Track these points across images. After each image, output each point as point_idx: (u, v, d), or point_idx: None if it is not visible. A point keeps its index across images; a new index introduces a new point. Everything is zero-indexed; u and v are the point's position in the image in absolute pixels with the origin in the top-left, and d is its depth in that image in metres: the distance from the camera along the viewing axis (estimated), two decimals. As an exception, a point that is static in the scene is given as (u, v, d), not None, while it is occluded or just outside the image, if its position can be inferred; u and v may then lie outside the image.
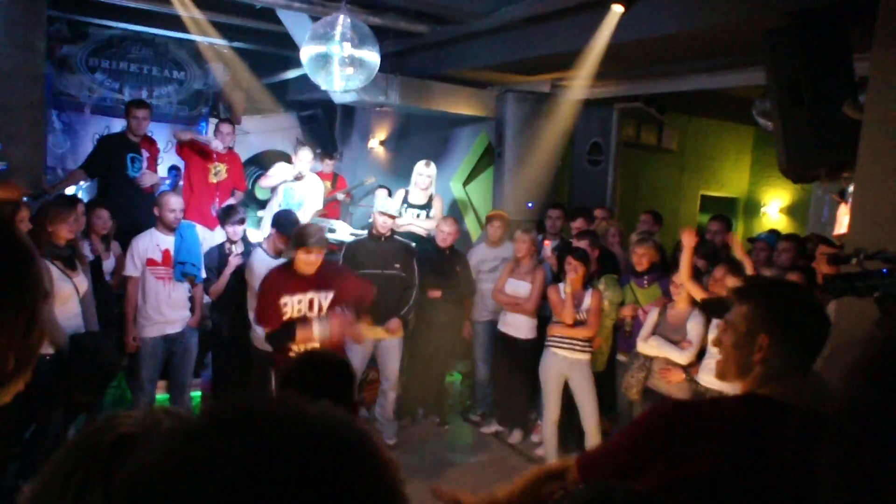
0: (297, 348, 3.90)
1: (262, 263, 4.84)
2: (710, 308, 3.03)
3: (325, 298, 4.08)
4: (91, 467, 1.03)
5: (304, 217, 5.97)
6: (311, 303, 4.04)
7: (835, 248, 3.72)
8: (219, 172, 6.22)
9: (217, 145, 6.06)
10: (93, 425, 1.11)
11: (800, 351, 1.55)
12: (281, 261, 4.60)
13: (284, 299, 3.96)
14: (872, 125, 3.20)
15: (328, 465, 0.53)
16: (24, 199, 4.20)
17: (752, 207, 10.08)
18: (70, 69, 8.29)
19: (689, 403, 1.59)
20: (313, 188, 6.36)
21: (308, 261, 3.96)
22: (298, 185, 6.24)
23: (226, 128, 6.27)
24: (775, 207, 9.65)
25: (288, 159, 6.79)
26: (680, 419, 1.52)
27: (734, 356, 1.61)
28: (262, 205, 7.32)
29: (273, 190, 6.33)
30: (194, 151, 6.16)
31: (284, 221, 5.07)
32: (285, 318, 3.96)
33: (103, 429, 1.10)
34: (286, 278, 4.02)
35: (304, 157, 6.25)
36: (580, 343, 4.78)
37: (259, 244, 5.17)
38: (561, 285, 4.89)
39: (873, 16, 3.17)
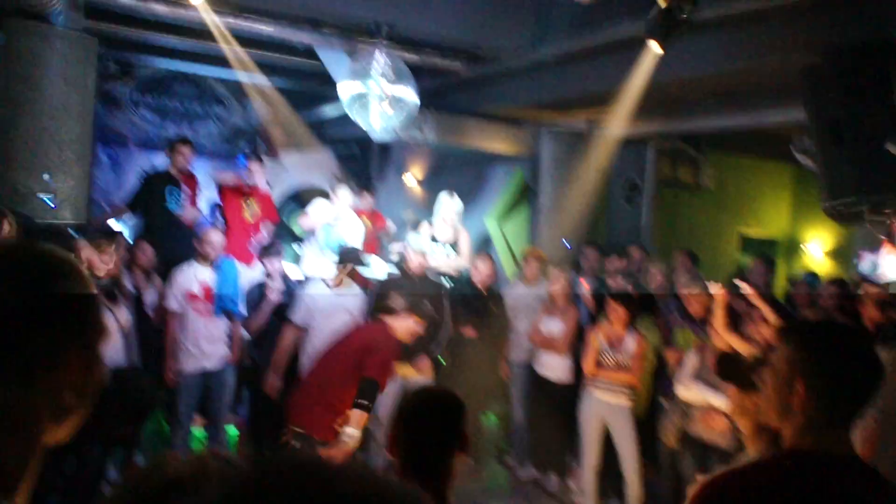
0: None
1: (327, 300, 4.97)
2: (723, 368, 2.85)
3: None
4: None
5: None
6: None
7: (881, 291, 3.60)
8: (253, 210, 6.33)
9: (260, 181, 6.13)
10: (142, 469, 1.10)
11: (844, 400, 1.44)
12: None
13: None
14: (919, 163, 3.13)
15: None
16: (70, 231, 4.31)
17: (793, 247, 9.88)
18: (116, 105, 8.57)
19: (721, 483, 1.47)
20: (353, 227, 6.39)
21: (413, 332, 4.19)
22: (337, 224, 6.28)
23: (256, 166, 6.38)
24: (818, 247, 9.43)
25: (325, 195, 6.87)
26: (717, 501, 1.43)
27: (774, 401, 1.51)
28: (299, 239, 7.39)
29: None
30: (231, 190, 6.29)
31: (348, 255, 5.15)
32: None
33: (152, 473, 1.09)
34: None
35: (343, 196, 6.29)
36: (621, 387, 4.66)
37: (322, 280, 5.20)
38: (601, 326, 4.78)
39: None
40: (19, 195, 3.72)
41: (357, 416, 3.76)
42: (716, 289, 4.13)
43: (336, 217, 6.21)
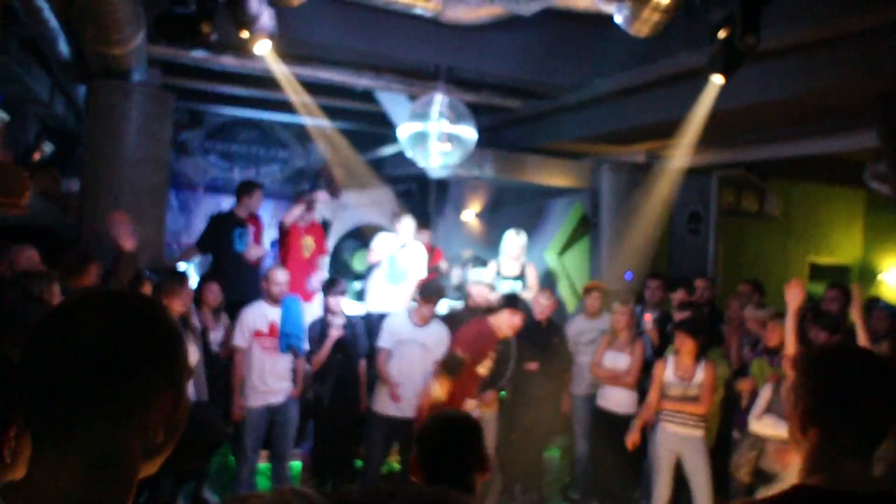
0: None
1: (410, 332, 5.09)
2: None
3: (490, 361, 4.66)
4: None
5: (410, 285, 6.11)
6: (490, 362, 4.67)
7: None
8: (309, 246, 6.49)
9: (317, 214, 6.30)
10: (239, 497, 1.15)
11: (854, 431, 1.32)
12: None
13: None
14: None
15: None
16: (147, 273, 4.50)
17: (866, 275, 9.49)
18: (187, 152, 8.96)
19: None
20: (417, 256, 6.48)
21: (513, 324, 4.56)
22: (403, 254, 6.38)
23: (321, 196, 6.55)
24: (894, 274, 9.04)
25: (385, 232, 6.98)
26: None
27: (789, 432, 1.43)
28: (356, 276, 7.50)
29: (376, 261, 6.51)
30: (292, 228, 6.47)
31: (430, 289, 5.23)
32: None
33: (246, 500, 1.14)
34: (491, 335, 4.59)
35: (407, 225, 6.39)
36: (693, 418, 4.55)
37: (406, 311, 5.30)
38: (669, 359, 4.70)
39: None
40: (102, 241, 3.92)
41: (437, 384, 4.44)
42: (793, 293, 3.97)
43: (401, 246, 6.30)
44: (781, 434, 4.00)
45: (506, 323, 4.53)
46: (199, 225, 8.43)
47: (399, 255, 6.35)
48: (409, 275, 6.30)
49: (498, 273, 6.18)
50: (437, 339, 5.08)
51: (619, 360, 5.25)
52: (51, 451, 0.86)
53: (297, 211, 6.43)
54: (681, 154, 5.74)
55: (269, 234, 8.09)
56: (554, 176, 7.18)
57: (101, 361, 0.87)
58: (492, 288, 5.34)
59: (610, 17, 3.70)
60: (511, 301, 4.53)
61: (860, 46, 3.78)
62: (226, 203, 8.85)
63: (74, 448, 0.86)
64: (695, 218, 7.15)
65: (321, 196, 6.53)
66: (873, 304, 5.86)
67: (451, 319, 5.36)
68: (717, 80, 3.45)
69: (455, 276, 5.49)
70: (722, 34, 3.31)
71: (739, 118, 4.99)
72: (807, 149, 5.48)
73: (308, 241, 6.51)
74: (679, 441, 4.59)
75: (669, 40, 4.54)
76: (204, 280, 5.28)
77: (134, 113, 3.98)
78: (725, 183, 7.24)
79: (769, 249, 8.94)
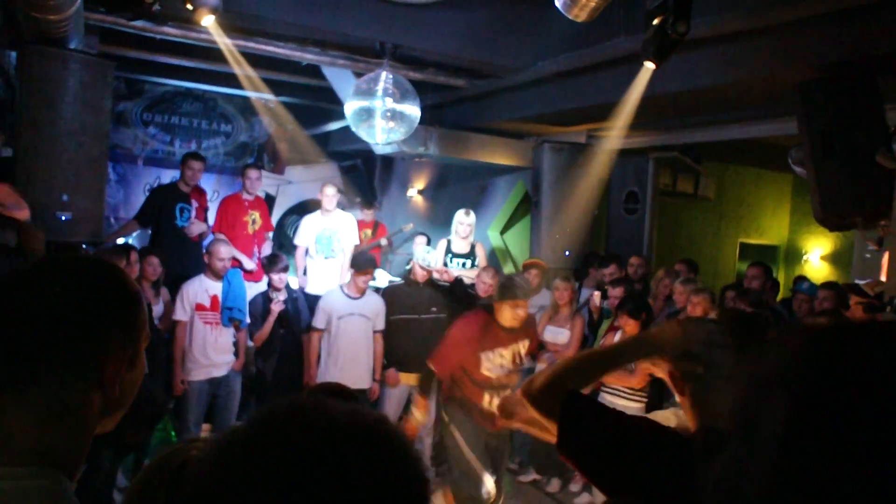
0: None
1: (346, 306, 5.10)
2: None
3: (523, 347, 4.25)
4: (161, 490, 1.15)
5: (346, 254, 6.19)
6: (513, 355, 4.18)
7: (867, 298, 3.71)
8: (255, 221, 6.47)
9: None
10: (170, 449, 1.24)
11: None
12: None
13: (485, 354, 4.07)
14: (906, 175, 3.24)
15: (365, 464, 0.60)
16: (84, 246, 4.44)
17: (792, 255, 9.98)
18: (125, 123, 8.74)
19: None
20: (345, 225, 6.55)
21: (517, 315, 4.07)
22: (331, 227, 6.43)
23: (253, 173, 6.52)
24: (817, 255, 9.54)
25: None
26: None
27: None
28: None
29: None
30: (236, 204, 6.44)
31: (361, 260, 5.30)
32: (483, 372, 4.09)
33: (174, 454, 1.23)
34: (486, 332, 4.09)
35: (329, 193, 6.44)
36: (631, 392, 4.77)
37: (339, 287, 5.35)
38: (618, 334, 4.89)
39: (903, 69, 3.24)
40: (38, 214, 3.84)
41: (415, 400, 4.34)
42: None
43: (324, 219, 6.38)
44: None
45: (510, 315, 4.05)
46: (138, 198, 8.27)
47: (326, 226, 6.41)
48: (341, 247, 6.38)
49: (448, 251, 6.32)
50: (374, 309, 5.21)
51: (560, 335, 5.44)
52: (12, 399, 0.91)
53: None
54: (618, 135, 5.93)
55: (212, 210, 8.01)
56: (497, 154, 7.31)
57: (63, 315, 0.93)
58: (432, 271, 5.46)
59: (553, 0, 3.80)
60: (509, 293, 4.02)
61: (784, 38, 3.99)
62: (166, 176, 8.70)
63: (35, 397, 0.92)
64: (632, 198, 7.38)
65: (255, 174, 6.50)
66: (797, 287, 6.22)
67: (391, 294, 5.48)
68: (649, 65, 3.59)
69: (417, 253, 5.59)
70: (656, 21, 3.45)
71: (672, 103, 5.18)
72: (735, 133, 5.74)
73: (254, 216, 6.48)
74: None
75: (610, 25, 4.68)
76: (143, 254, 5.23)
77: (71, 81, 3.88)
78: (662, 164, 7.48)
79: (702, 230, 9.31)
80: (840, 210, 3.86)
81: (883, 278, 4.00)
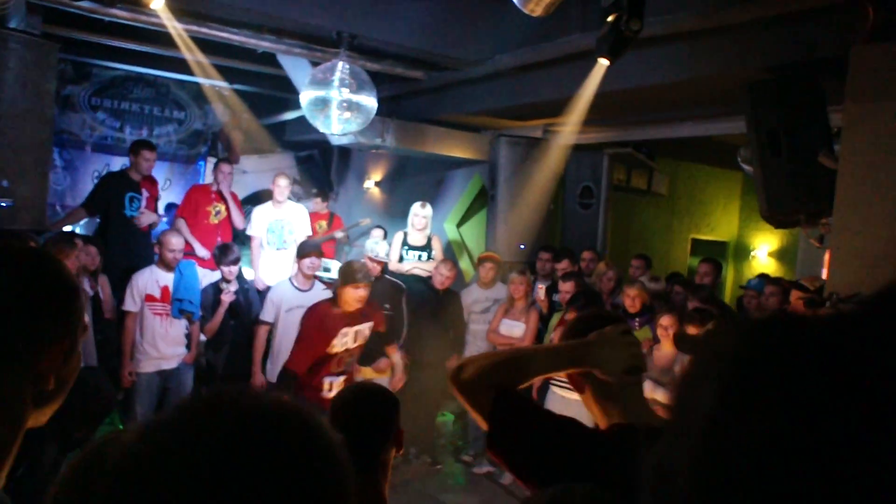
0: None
1: (294, 298, 5.05)
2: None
3: (367, 328, 4.33)
4: (98, 478, 1.12)
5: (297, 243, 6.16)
6: (355, 335, 4.25)
7: (808, 293, 3.83)
8: (219, 213, 6.35)
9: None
10: (103, 439, 1.21)
11: None
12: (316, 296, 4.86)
13: (335, 340, 4.12)
14: (847, 174, 3.36)
15: (282, 450, 0.61)
16: (31, 235, 4.29)
17: (741, 251, 10.24)
18: (72, 108, 8.46)
19: None
20: (297, 216, 6.50)
21: (357, 296, 4.12)
22: (283, 218, 6.38)
23: (226, 168, 6.42)
24: (764, 251, 9.81)
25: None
26: None
27: None
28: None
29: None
30: (199, 195, 6.32)
31: (303, 245, 5.30)
32: (331, 351, 4.11)
33: (111, 442, 1.20)
34: (333, 317, 4.15)
35: (282, 184, 6.39)
36: None
37: (288, 279, 5.27)
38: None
39: (845, 71, 3.34)
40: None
41: None
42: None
43: (276, 210, 6.34)
44: (654, 396, 4.34)
45: (352, 297, 4.14)
46: (85, 185, 8.03)
47: (277, 218, 6.36)
48: (293, 238, 6.34)
49: (404, 243, 6.30)
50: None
51: (515, 328, 5.49)
52: None
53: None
54: (574, 131, 6.00)
55: (165, 199, 7.83)
56: (454, 147, 7.31)
57: None
58: (384, 262, 5.45)
59: (510, -6, 3.81)
60: (348, 277, 4.13)
61: (734, 38, 4.09)
62: (115, 163, 8.47)
63: None
64: (587, 193, 7.47)
65: (225, 168, 6.41)
66: (748, 283, 6.37)
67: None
68: (603, 61, 3.64)
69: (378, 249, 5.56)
70: (610, 19, 3.49)
71: (625, 99, 5.26)
72: (687, 131, 5.86)
73: (218, 208, 6.36)
74: (566, 404, 4.87)
75: (567, 21, 4.73)
76: (82, 242, 5.09)
77: (11, 62, 3.74)
78: (616, 160, 7.59)
79: (655, 225, 9.48)
80: (785, 208, 3.97)
81: (824, 275, 4.13)
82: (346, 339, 4.18)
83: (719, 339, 0.60)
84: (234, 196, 6.56)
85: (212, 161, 8.45)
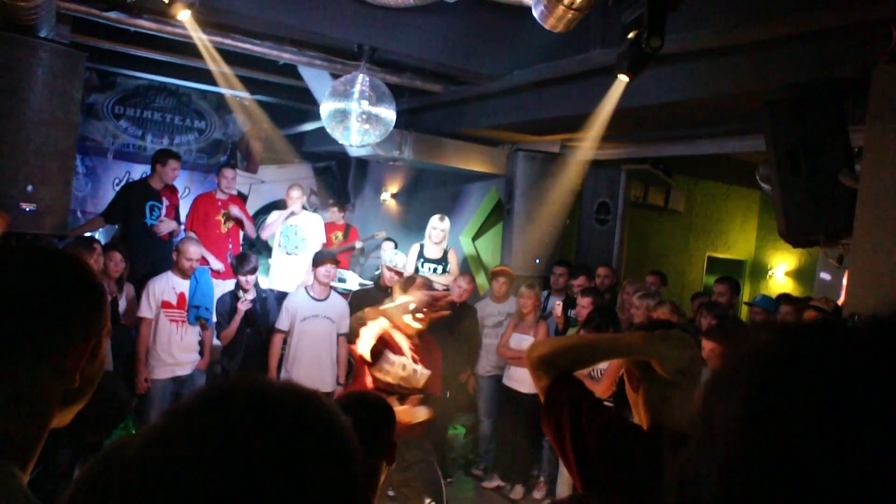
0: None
1: (310, 308, 5.08)
2: None
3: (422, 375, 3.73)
4: (112, 479, 1.15)
5: (311, 254, 6.20)
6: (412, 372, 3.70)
7: (821, 313, 3.80)
8: (228, 220, 6.42)
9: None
10: (119, 441, 1.23)
11: None
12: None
13: (392, 357, 3.58)
14: (867, 194, 3.33)
15: (294, 432, 0.67)
16: (53, 241, 4.35)
17: (758, 270, 10.15)
18: (96, 115, 8.60)
19: None
20: (311, 224, 6.55)
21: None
22: (297, 224, 6.43)
23: (229, 173, 6.49)
24: (781, 270, 9.72)
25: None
26: None
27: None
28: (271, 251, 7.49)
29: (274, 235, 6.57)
30: (203, 206, 6.39)
31: (319, 254, 5.36)
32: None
33: (127, 445, 1.23)
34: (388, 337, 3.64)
35: (295, 195, 6.46)
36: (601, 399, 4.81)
37: (304, 288, 5.32)
38: None
39: (866, 91, 3.33)
40: (2, 205, 3.77)
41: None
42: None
43: (289, 214, 6.39)
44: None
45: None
46: (106, 192, 8.15)
47: (293, 225, 6.42)
48: (307, 242, 6.38)
49: (420, 256, 6.33)
50: (339, 311, 5.18)
51: (524, 342, 5.47)
52: None
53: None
54: (591, 146, 6.00)
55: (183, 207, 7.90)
56: (471, 161, 7.33)
57: (24, 301, 0.92)
58: (402, 273, 5.46)
59: (530, 10, 3.83)
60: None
61: (754, 56, 4.08)
62: (136, 171, 8.58)
63: None
64: (603, 208, 7.46)
65: (230, 173, 6.49)
66: (753, 300, 6.32)
67: (359, 298, 5.45)
68: (623, 78, 3.64)
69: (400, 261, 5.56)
70: (630, 35, 3.50)
71: (643, 116, 5.26)
72: (705, 149, 5.84)
73: (229, 217, 6.43)
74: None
75: (587, 37, 4.74)
76: (105, 249, 5.16)
77: (40, 70, 3.81)
78: (634, 177, 7.58)
79: (672, 242, 9.42)
80: (803, 226, 3.94)
81: (843, 296, 4.09)
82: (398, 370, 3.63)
83: (742, 349, 0.60)
84: (239, 202, 6.64)
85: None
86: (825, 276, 7.14)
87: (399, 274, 5.39)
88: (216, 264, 6.10)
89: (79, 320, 0.97)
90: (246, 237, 7.61)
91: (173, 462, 0.63)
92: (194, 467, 0.62)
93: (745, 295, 9.82)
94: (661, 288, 6.08)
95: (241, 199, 8.95)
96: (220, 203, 6.41)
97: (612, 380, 4.81)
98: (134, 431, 5.28)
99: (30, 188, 3.81)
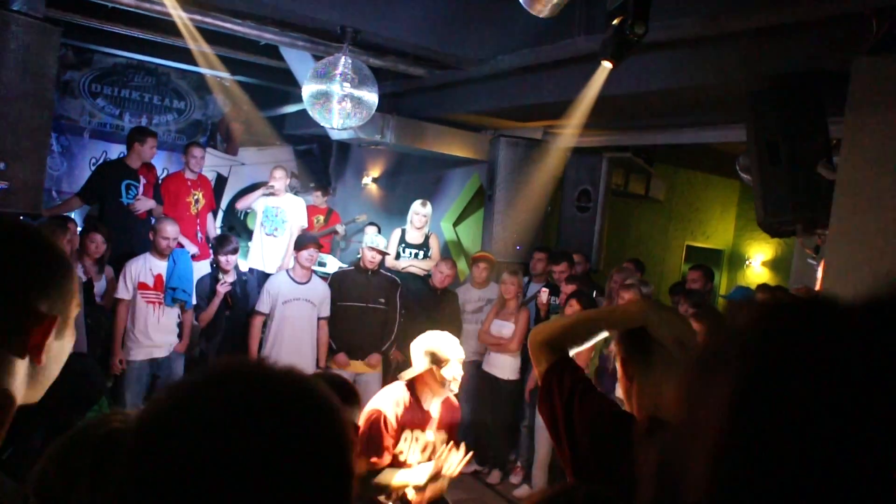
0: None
1: (291, 290, 5.04)
2: None
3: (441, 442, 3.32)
4: (82, 457, 1.13)
5: (292, 236, 6.18)
6: (427, 447, 3.27)
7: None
8: (198, 201, 6.36)
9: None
10: (89, 420, 1.22)
11: None
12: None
13: (405, 433, 3.17)
14: (844, 185, 3.36)
15: (291, 416, 0.68)
16: (22, 218, 4.27)
17: (736, 260, 10.26)
18: (72, 94, 8.43)
19: None
20: (293, 207, 6.52)
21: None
22: (279, 206, 6.39)
23: (198, 151, 6.43)
24: (759, 260, 9.82)
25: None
26: None
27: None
28: (251, 231, 7.45)
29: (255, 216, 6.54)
30: (172, 187, 6.32)
31: (301, 238, 5.38)
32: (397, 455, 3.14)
33: (97, 424, 1.21)
34: (410, 407, 3.15)
35: (279, 176, 6.42)
36: None
37: (286, 271, 5.29)
38: None
39: (846, 83, 3.35)
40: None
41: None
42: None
43: (271, 194, 6.37)
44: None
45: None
46: (82, 172, 8.01)
47: (274, 206, 6.38)
48: (287, 224, 6.35)
49: (402, 241, 6.32)
50: (320, 295, 5.18)
51: (505, 328, 5.49)
52: None
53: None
54: (574, 134, 6.00)
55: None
56: (453, 146, 7.31)
57: None
58: (385, 253, 5.45)
59: (514, -5, 3.80)
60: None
61: (737, 46, 4.09)
62: (113, 151, 8.44)
63: None
64: (584, 196, 7.47)
65: (198, 152, 6.44)
66: (730, 294, 6.40)
67: (339, 278, 5.46)
68: (606, 64, 3.64)
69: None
70: (615, 22, 3.49)
71: (626, 104, 5.27)
72: (686, 138, 5.86)
73: (197, 196, 6.36)
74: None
75: (571, 23, 4.72)
76: (86, 230, 5.08)
77: (13, 44, 3.71)
78: (615, 165, 7.59)
79: (651, 231, 9.48)
80: (781, 216, 3.99)
81: (818, 286, 4.14)
82: (418, 446, 3.26)
83: (728, 330, 0.58)
84: (205, 181, 6.59)
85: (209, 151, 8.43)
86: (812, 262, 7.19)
87: (381, 254, 5.38)
88: (191, 248, 6.03)
89: (42, 295, 0.94)
90: (226, 218, 7.54)
91: (176, 437, 0.65)
92: (197, 443, 0.64)
93: (723, 284, 9.93)
94: (636, 274, 6.12)
95: (221, 181, 8.88)
96: (189, 183, 6.34)
97: (583, 363, 4.85)
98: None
99: (1, 165, 3.73)
